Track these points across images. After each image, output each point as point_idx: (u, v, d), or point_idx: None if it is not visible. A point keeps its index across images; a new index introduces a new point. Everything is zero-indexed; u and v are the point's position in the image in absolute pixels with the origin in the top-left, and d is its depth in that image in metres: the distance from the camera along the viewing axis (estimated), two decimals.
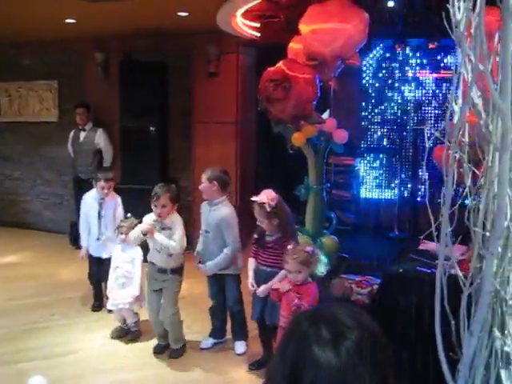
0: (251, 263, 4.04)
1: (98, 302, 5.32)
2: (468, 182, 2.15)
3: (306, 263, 3.45)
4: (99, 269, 5.22)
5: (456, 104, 2.13)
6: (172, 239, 4.20)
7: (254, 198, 3.88)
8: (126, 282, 4.62)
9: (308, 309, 1.21)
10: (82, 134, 7.34)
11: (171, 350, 4.42)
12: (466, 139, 2.14)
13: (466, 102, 1.97)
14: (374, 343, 1.09)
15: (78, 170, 7.27)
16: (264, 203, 3.81)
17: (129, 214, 4.80)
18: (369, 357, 1.06)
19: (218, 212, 4.28)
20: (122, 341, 4.65)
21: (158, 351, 4.44)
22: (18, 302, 5.44)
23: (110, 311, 4.97)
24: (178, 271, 4.34)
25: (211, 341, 4.55)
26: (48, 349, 4.45)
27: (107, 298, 4.84)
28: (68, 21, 6.28)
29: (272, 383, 1.14)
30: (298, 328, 1.13)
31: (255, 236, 4.04)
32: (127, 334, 4.73)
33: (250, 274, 4.00)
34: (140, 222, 4.37)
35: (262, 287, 3.83)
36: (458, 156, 2.11)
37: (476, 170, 2.13)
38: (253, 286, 3.93)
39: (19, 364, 4.18)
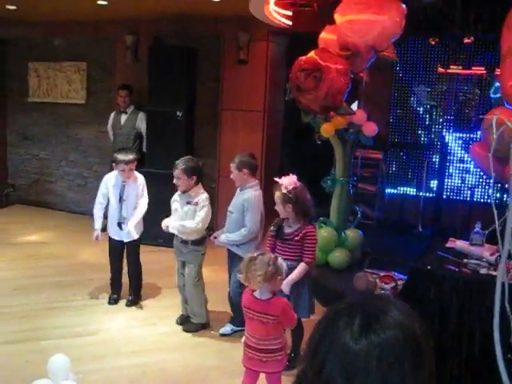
0: None
1: (116, 294, 5.08)
2: None
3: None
4: (121, 254, 5.05)
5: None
6: (196, 215, 4.42)
7: (276, 179, 3.84)
8: None
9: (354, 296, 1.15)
10: (124, 117, 7.20)
11: (187, 322, 4.61)
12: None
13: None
14: (406, 349, 1.02)
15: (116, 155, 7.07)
16: (289, 184, 3.76)
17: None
18: (390, 361, 1.00)
19: (244, 194, 4.35)
20: (143, 324, 4.67)
21: (180, 322, 4.66)
22: (40, 281, 5.49)
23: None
24: (199, 243, 4.49)
25: (230, 327, 4.54)
26: (69, 328, 4.47)
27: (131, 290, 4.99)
28: (100, 2, 6.26)
29: (304, 362, 1.10)
30: (333, 312, 1.09)
31: (272, 228, 3.91)
32: None
33: None
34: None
35: (285, 282, 3.62)
36: None
37: None
38: None
39: (41, 341, 4.22)
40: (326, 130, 5.33)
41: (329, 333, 1.04)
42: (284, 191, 3.74)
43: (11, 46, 8.59)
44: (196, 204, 4.44)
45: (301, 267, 3.76)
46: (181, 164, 4.39)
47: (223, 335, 4.50)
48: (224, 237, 4.37)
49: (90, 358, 3.99)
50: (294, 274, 3.73)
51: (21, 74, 8.52)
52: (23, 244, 6.80)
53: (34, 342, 4.22)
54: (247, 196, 4.32)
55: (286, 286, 3.67)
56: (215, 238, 4.44)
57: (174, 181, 4.43)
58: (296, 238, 3.78)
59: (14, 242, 6.86)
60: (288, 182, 3.79)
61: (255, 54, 6.66)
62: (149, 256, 5.41)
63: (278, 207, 3.79)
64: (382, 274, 4.92)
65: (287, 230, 3.82)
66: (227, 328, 4.54)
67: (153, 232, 5.28)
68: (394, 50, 5.39)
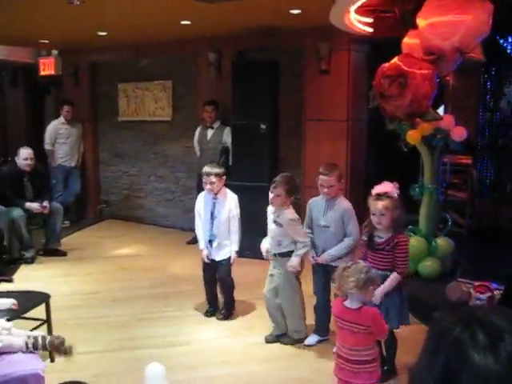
0: None
1: (212, 308, 5.13)
2: None
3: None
4: (214, 272, 5.03)
5: None
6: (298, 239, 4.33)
7: (376, 190, 3.69)
8: None
9: (454, 309, 1.12)
10: (210, 132, 7.33)
11: (285, 337, 4.53)
12: None
13: None
14: None
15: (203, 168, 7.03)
16: (389, 192, 3.65)
17: None
18: None
19: (339, 206, 4.27)
20: (232, 335, 4.73)
21: (270, 340, 4.55)
22: (134, 292, 5.70)
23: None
24: (287, 255, 4.38)
25: (315, 338, 4.51)
26: (162, 338, 4.61)
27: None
28: (183, 22, 6.47)
29: None
30: (447, 332, 1.06)
31: (364, 238, 3.83)
32: None
33: None
34: None
35: (376, 292, 3.57)
36: None
37: None
38: None
39: (136, 350, 4.37)
40: (413, 136, 5.20)
41: (456, 358, 1.00)
42: (393, 197, 3.65)
43: (102, 69, 9.06)
44: (280, 226, 4.34)
45: (393, 277, 3.67)
46: (284, 182, 4.28)
47: (309, 346, 4.47)
48: (327, 255, 4.27)
49: (181, 368, 4.08)
50: (387, 284, 3.65)
51: (111, 95, 8.95)
52: (118, 257, 7.10)
53: (130, 350, 4.39)
54: (345, 206, 4.26)
55: (377, 295, 3.61)
56: (315, 257, 4.35)
57: (271, 196, 4.31)
58: (387, 248, 3.69)
59: (109, 255, 7.18)
60: (389, 188, 3.69)
61: (336, 64, 6.62)
62: (236, 268, 5.44)
63: (379, 218, 3.63)
64: (476, 283, 4.71)
65: (378, 240, 3.72)
66: (312, 338, 4.52)
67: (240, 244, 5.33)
68: (482, 50, 5.18)
